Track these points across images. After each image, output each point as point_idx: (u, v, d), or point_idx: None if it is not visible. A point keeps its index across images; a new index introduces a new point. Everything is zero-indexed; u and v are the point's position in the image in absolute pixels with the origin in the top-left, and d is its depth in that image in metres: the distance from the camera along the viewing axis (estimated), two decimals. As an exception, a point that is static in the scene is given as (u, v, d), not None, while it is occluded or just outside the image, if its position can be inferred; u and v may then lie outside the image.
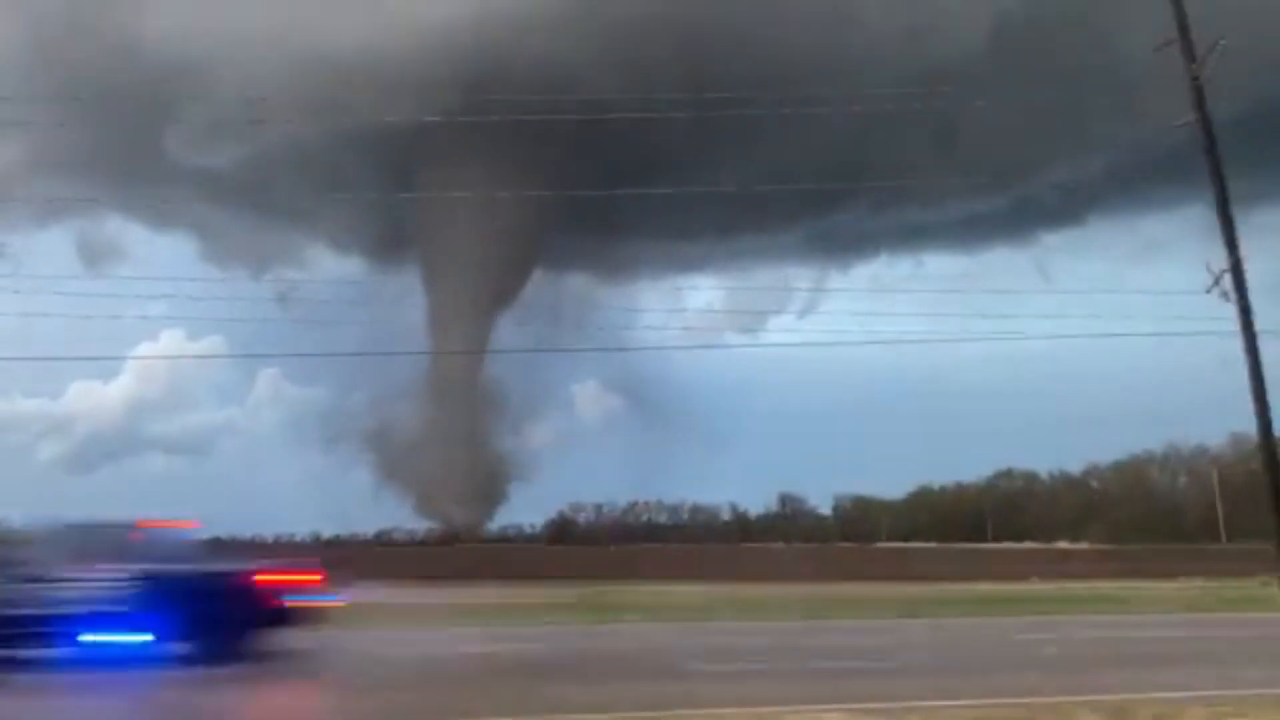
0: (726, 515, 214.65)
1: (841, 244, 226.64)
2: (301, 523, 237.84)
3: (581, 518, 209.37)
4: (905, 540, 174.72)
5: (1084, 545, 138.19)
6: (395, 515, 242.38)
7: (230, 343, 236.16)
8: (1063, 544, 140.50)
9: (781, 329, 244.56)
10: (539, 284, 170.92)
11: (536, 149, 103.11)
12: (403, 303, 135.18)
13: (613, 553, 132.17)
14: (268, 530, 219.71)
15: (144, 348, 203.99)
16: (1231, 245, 34.93)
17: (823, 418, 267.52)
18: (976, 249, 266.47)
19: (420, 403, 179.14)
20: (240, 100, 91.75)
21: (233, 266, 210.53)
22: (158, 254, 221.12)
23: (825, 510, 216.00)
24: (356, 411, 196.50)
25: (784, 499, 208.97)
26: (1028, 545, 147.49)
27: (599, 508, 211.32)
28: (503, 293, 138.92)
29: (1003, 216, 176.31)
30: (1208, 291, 34.23)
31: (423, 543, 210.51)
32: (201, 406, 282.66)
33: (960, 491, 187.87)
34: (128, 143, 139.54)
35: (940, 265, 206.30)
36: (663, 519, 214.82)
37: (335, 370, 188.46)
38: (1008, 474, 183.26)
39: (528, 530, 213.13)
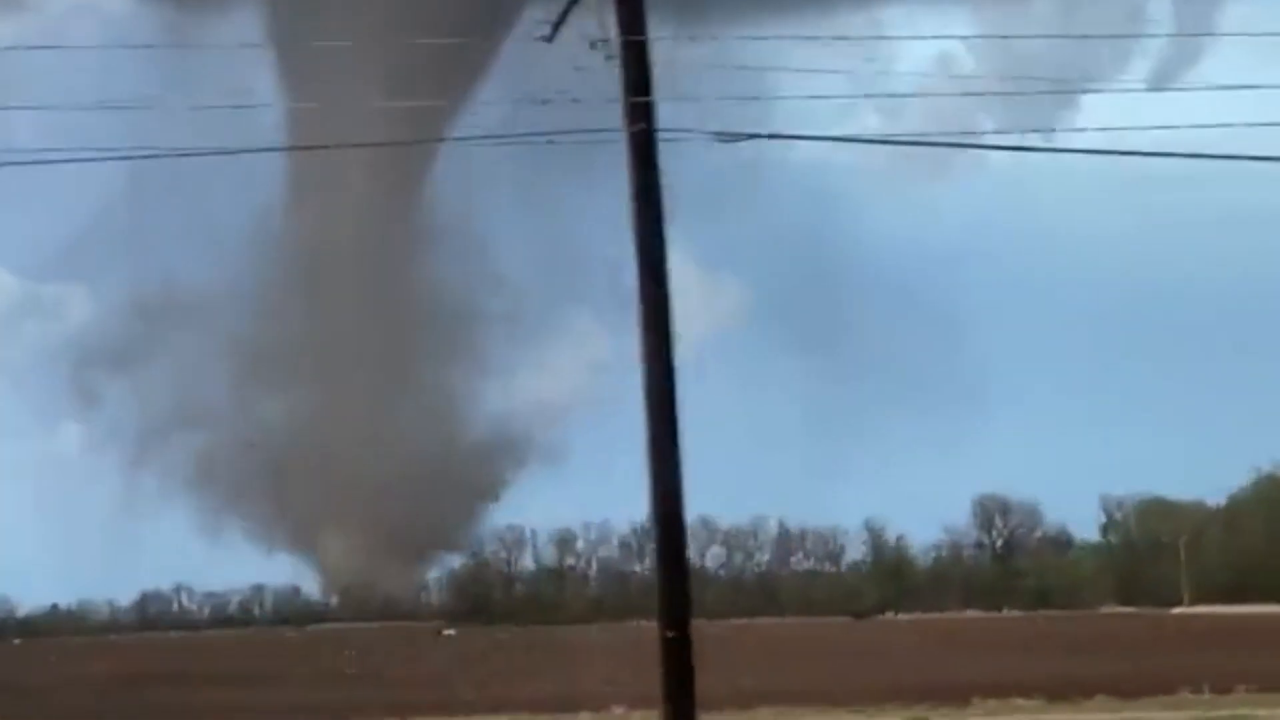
0: (858, 546, 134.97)
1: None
2: (86, 579, 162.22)
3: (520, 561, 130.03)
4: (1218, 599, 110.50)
5: None
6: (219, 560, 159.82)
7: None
8: None
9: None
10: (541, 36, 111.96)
11: None
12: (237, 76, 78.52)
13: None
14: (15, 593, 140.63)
15: None
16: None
17: (1109, 331, 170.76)
18: None
19: (285, 316, 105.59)
20: None
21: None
22: None
23: (1081, 526, 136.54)
24: (153, 339, 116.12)
25: (985, 508, 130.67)
26: None
27: (589, 535, 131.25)
28: (458, 57, 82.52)
29: None
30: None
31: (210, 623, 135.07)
32: None
33: None
34: None
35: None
36: (712, 552, 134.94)
37: (111, 250, 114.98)
38: None
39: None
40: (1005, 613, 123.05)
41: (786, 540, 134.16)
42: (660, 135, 15.80)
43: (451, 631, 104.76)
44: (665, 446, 15.45)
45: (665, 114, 15.24)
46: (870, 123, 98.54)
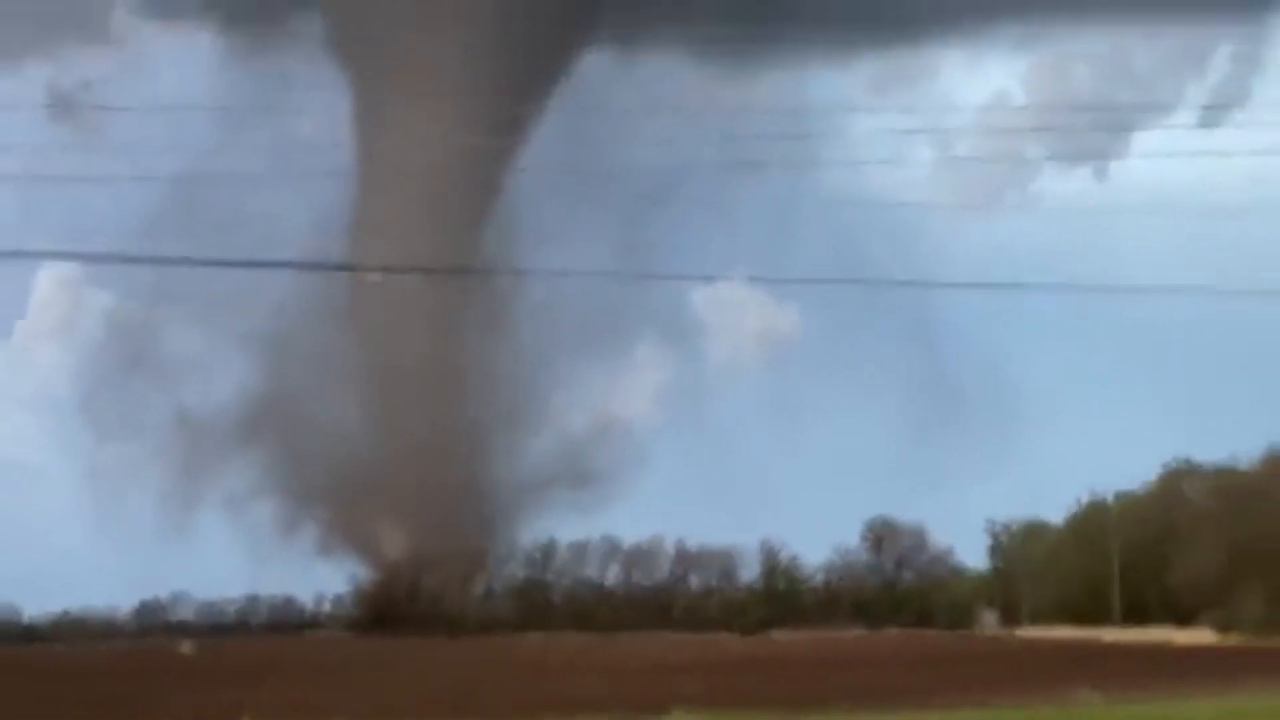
0: (753, 565, 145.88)
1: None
2: (102, 585, 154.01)
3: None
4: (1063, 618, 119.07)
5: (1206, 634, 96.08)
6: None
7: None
8: (1206, 630, 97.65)
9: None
10: (589, 78, 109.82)
11: None
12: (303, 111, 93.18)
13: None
14: (26, 599, 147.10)
15: None
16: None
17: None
18: None
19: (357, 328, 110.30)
20: None
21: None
22: None
23: (967, 547, 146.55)
24: (230, 350, 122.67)
25: (879, 532, 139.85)
26: (1151, 634, 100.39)
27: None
28: (515, 101, 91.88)
29: None
30: None
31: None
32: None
33: (1128, 505, 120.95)
34: None
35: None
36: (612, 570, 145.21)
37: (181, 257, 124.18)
38: (1188, 469, 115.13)
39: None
40: (885, 631, 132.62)
41: (684, 558, 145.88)
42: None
43: (187, 648, 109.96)
44: None
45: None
46: (924, 155, 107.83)
